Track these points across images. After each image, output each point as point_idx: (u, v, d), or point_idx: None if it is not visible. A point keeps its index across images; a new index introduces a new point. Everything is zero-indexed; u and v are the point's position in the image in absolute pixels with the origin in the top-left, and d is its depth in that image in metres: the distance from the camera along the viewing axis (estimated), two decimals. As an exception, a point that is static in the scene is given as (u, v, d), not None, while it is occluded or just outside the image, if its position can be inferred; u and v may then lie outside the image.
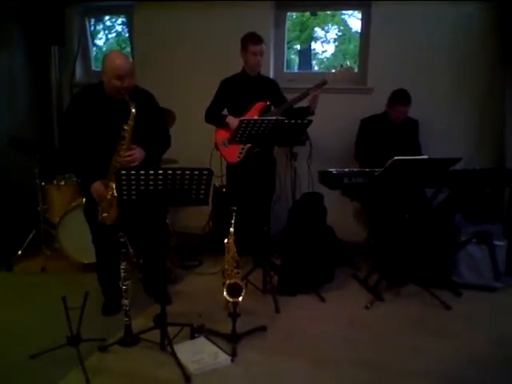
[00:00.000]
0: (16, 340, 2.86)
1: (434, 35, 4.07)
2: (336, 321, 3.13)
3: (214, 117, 3.76)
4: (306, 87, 3.68)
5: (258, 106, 3.68)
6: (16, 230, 4.14)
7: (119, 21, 5.78)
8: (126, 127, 2.80)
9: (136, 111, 2.80)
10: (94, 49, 5.81)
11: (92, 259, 3.44)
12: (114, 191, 2.75)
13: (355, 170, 3.50)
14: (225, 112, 3.82)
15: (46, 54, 4.76)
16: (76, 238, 3.76)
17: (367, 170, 3.43)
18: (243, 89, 3.73)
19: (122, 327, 2.80)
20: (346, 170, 3.46)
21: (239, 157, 3.67)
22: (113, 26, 6.12)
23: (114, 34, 6.20)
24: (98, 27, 5.99)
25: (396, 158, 2.99)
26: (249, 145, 3.57)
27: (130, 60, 2.93)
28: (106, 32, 6.25)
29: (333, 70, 3.67)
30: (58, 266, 3.93)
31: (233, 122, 3.59)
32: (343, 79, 3.64)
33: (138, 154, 2.88)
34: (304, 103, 3.66)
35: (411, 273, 3.54)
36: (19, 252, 4.01)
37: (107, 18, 5.84)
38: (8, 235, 4.12)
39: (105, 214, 2.89)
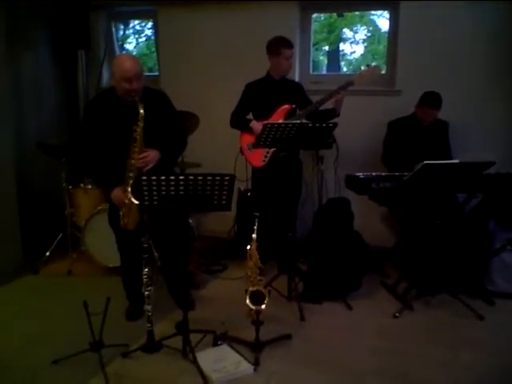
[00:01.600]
0: (40, 344, 2.88)
1: (464, 34, 3.93)
2: (363, 330, 3.04)
3: (238, 121, 3.73)
4: (331, 89, 3.60)
5: (284, 109, 3.63)
6: (43, 234, 4.18)
7: (149, 25, 5.83)
8: (136, 129, 2.77)
9: (148, 112, 2.77)
10: (124, 53, 5.86)
11: (117, 263, 3.43)
12: (131, 196, 2.74)
13: (383, 174, 3.38)
14: (250, 116, 3.78)
15: (72, 58, 4.80)
16: (101, 242, 3.77)
17: (396, 174, 3.32)
18: (268, 92, 3.69)
19: (145, 333, 2.78)
20: (374, 174, 3.35)
21: (264, 161, 3.62)
22: (142, 30, 6.18)
23: (143, 39, 6.26)
24: (127, 31, 6.05)
25: (426, 162, 2.88)
26: (274, 149, 3.51)
27: (139, 62, 2.91)
28: (136, 36, 6.32)
29: (362, 68, 3.58)
30: (83, 269, 3.96)
31: (256, 126, 3.54)
32: (370, 79, 3.54)
33: (152, 155, 2.85)
34: (329, 105, 3.59)
35: (442, 281, 3.41)
36: (46, 255, 4.04)
37: (137, 22, 5.89)
38: (35, 239, 4.17)
39: (126, 219, 2.88)
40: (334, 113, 3.58)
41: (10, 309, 3.37)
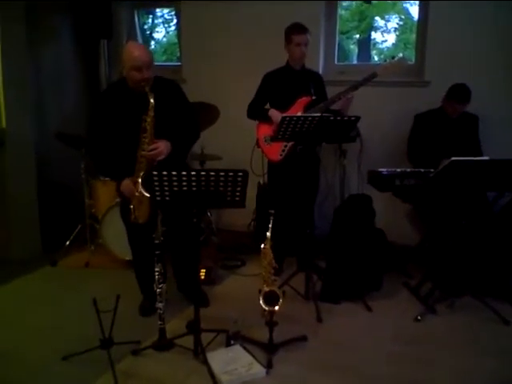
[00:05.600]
0: (51, 338, 2.86)
1: (498, 24, 3.70)
2: (382, 333, 2.92)
3: (256, 111, 3.59)
4: (358, 80, 3.44)
5: (303, 100, 3.47)
6: (62, 225, 4.19)
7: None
8: (146, 118, 2.69)
9: (159, 102, 2.69)
10: (153, 42, 5.82)
11: (134, 256, 3.39)
12: (141, 188, 2.67)
13: (408, 170, 3.23)
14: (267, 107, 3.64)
15: (95, 47, 4.77)
16: (118, 234, 3.70)
17: (422, 170, 3.17)
18: (287, 83, 3.54)
19: (157, 329, 2.72)
20: (398, 170, 3.20)
21: (281, 154, 3.49)
22: (171, 19, 6.11)
23: (172, 28, 6.19)
24: (156, 21, 6.00)
25: (454, 158, 2.72)
26: (292, 142, 3.39)
27: (149, 51, 2.83)
28: (166, 25, 6.26)
29: (386, 61, 3.41)
30: (101, 262, 3.94)
31: (276, 115, 3.40)
32: (395, 71, 3.36)
33: (162, 147, 2.76)
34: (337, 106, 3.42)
35: (468, 283, 3.25)
36: (65, 245, 4.04)
37: (166, 11, 5.82)
38: (54, 229, 4.17)
39: (136, 213, 2.81)
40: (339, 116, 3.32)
41: (26, 301, 3.36)
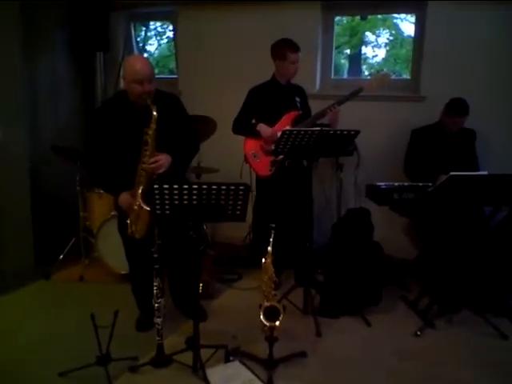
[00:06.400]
0: (46, 354, 2.81)
1: (494, 40, 3.74)
2: (382, 348, 2.90)
3: (242, 126, 3.57)
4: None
5: (291, 115, 3.49)
6: (56, 238, 4.12)
7: (171, 27, 5.77)
8: (148, 131, 2.67)
9: (160, 115, 2.67)
10: (146, 55, 5.82)
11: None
12: (141, 201, 2.65)
13: (406, 184, 3.24)
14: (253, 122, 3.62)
15: (91, 59, 4.75)
16: (114, 248, 3.67)
17: (420, 184, 3.18)
18: (274, 97, 3.53)
19: (154, 345, 2.68)
20: (396, 184, 3.21)
21: (271, 170, 3.48)
22: (164, 32, 6.14)
23: (165, 40, 6.22)
24: (149, 33, 6.01)
25: (453, 173, 2.73)
26: (281, 157, 3.37)
27: (150, 64, 2.81)
28: (158, 38, 6.28)
29: (378, 74, 3.44)
30: (95, 276, 3.88)
31: (265, 129, 3.41)
32: (379, 86, 3.41)
33: (163, 160, 2.73)
34: (326, 120, 3.45)
35: (466, 298, 3.25)
36: (59, 258, 3.97)
37: (158, 24, 5.84)
38: (48, 242, 4.11)
39: (133, 227, 2.78)
40: None
41: (19, 316, 3.30)
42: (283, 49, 3.46)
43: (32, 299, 3.56)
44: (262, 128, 3.45)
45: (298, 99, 3.55)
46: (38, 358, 2.77)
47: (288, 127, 3.40)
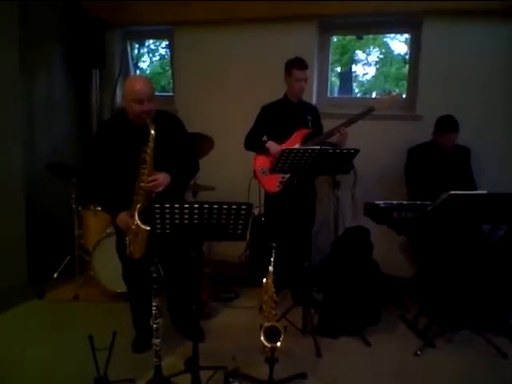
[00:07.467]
0: (43, 378, 2.74)
1: (488, 58, 3.78)
2: (382, 369, 2.87)
3: (253, 143, 3.60)
4: (349, 113, 3.53)
5: (301, 132, 3.51)
6: (50, 256, 4.06)
7: (163, 44, 5.80)
8: (146, 150, 2.65)
9: (160, 135, 2.66)
10: (138, 72, 5.82)
11: (125, 288, 3.29)
12: (138, 221, 2.62)
13: (405, 203, 3.24)
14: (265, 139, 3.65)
15: (86, 77, 4.75)
16: (109, 266, 3.62)
17: (418, 203, 3.18)
18: (285, 115, 3.56)
19: (152, 366, 2.63)
20: (395, 202, 3.22)
21: (279, 186, 3.49)
22: (157, 50, 6.15)
23: (157, 57, 6.23)
24: (142, 50, 6.02)
25: (452, 192, 2.73)
26: (289, 174, 3.39)
27: (151, 84, 2.82)
28: (150, 55, 6.28)
29: (390, 94, 3.47)
30: (90, 294, 3.82)
31: (274, 147, 3.43)
32: (391, 106, 3.43)
33: (162, 178, 2.72)
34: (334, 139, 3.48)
35: (465, 317, 3.24)
36: (53, 277, 3.90)
37: (151, 41, 5.86)
38: (42, 260, 4.05)
39: (132, 247, 2.75)
40: None
41: (12, 337, 3.21)
42: (290, 65, 3.51)
43: (25, 320, 3.47)
44: (271, 145, 3.47)
45: (309, 117, 3.57)
46: (35, 381, 2.71)
47: (297, 145, 3.45)
